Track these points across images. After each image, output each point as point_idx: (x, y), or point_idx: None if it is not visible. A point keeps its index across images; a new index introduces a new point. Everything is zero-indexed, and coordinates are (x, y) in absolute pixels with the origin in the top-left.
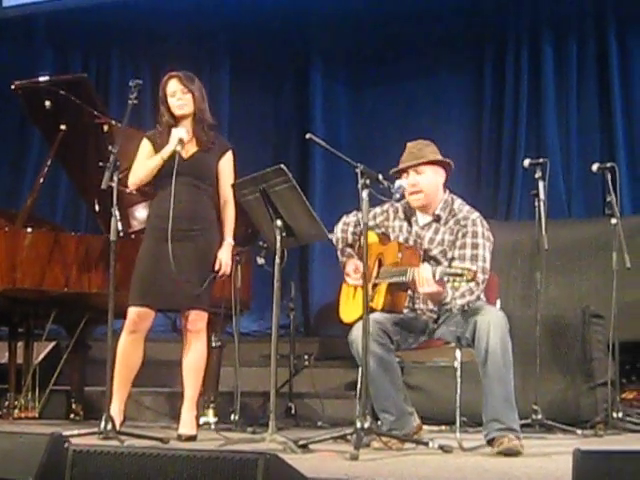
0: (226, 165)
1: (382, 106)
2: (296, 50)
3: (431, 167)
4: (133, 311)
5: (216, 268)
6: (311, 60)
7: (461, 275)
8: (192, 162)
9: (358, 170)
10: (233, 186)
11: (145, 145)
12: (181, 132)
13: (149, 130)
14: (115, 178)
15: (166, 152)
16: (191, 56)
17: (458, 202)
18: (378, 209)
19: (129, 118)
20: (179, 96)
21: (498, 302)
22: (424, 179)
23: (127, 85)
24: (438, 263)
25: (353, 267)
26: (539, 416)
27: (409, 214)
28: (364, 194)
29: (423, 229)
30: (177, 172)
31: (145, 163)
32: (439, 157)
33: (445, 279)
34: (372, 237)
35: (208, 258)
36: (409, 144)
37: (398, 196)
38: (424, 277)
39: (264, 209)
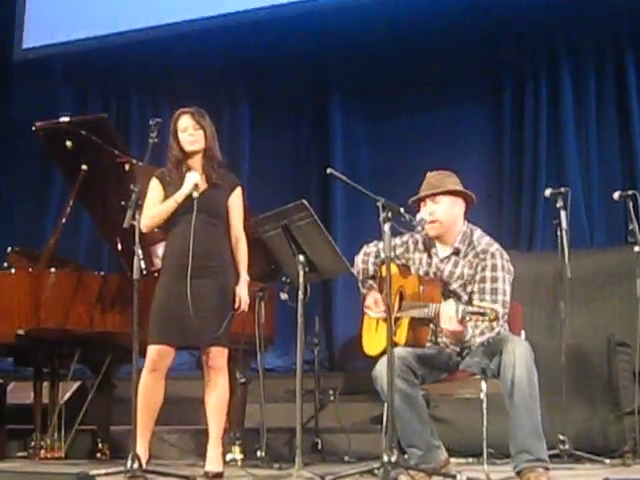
0: (236, 201)
1: (401, 138)
2: (315, 85)
3: (449, 197)
4: (152, 349)
5: (235, 305)
6: (329, 95)
7: (484, 314)
8: (203, 199)
9: (379, 204)
10: (255, 222)
11: (154, 186)
12: (196, 177)
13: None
14: (137, 217)
15: (180, 196)
16: (210, 94)
17: (477, 233)
18: (398, 240)
19: (150, 156)
20: (191, 132)
21: (523, 332)
22: (440, 209)
23: (147, 124)
24: (458, 297)
25: (373, 300)
26: (566, 446)
27: (429, 246)
28: (386, 227)
29: (443, 262)
30: (189, 209)
31: (158, 208)
32: (458, 187)
33: (467, 318)
34: (392, 269)
35: (227, 295)
36: (429, 174)
37: (420, 229)
38: (447, 315)
39: (286, 245)
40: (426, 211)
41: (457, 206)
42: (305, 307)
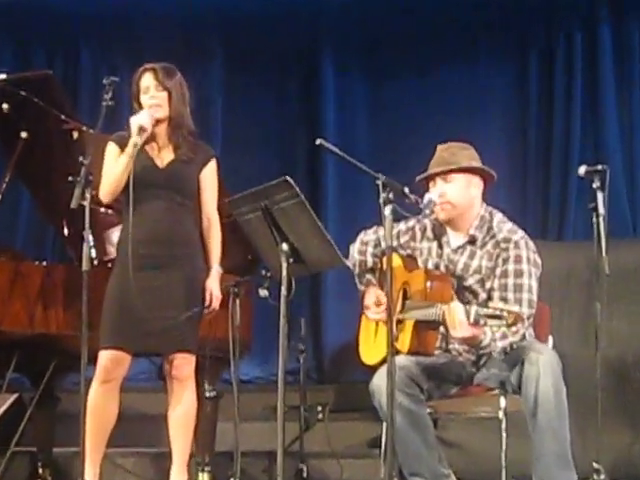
0: (209, 176)
1: (407, 103)
2: (303, 38)
3: (464, 175)
4: (105, 355)
5: (205, 302)
6: (321, 49)
7: (500, 318)
8: (169, 172)
9: (379, 182)
10: (229, 203)
11: (112, 150)
12: (142, 118)
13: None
14: (87, 195)
15: (130, 147)
16: (176, 49)
17: (498, 218)
18: (402, 226)
19: (103, 123)
20: (152, 93)
21: (550, 339)
22: (453, 189)
23: (100, 84)
24: (474, 295)
25: (374, 298)
26: (602, 476)
27: (439, 233)
28: (387, 211)
29: (456, 252)
30: (151, 184)
31: (113, 170)
32: (474, 163)
33: (482, 322)
34: (396, 260)
35: (195, 290)
36: (440, 147)
37: (428, 212)
38: (456, 319)
39: (267, 230)
40: (436, 191)
41: (473, 185)
42: (289, 306)
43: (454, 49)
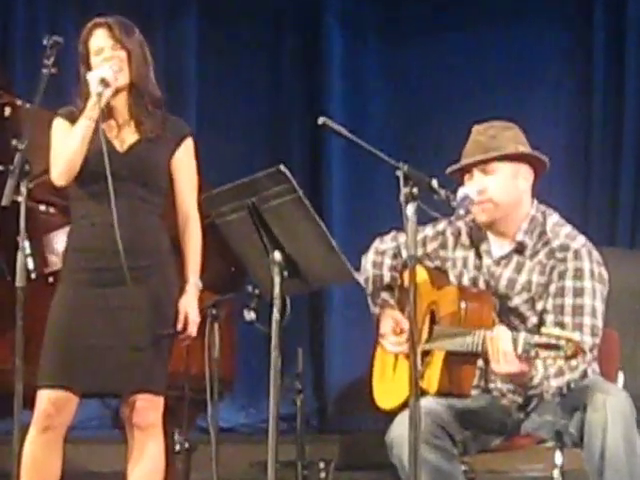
0: (185, 160)
1: (433, 72)
2: None
3: (510, 164)
4: (45, 396)
5: (178, 326)
6: (324, 3)
7: (556, 348)
8: (132, 158)
9: (400, 172)
10: (205, 200)
11: (61, 125)
12: (102, 70)
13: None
14: (23, 189)
15: (90, 106)
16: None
17: (553, 220)
18: (429, 230)
19: (44, 96)
20: (107, 55)
21: (620, 376)
22: (495, 182)
23: (40, 45)
24: (522, 319)
25: (392, 324)
26: None
27: (477, 239)
28: (410, 210)
29: (499, 264)
30: (110, 174)
31: (67, 143)
32: (522, 148)
33: (532, 353)
34: (421, 275)
35: (165, 311)
36: (477, 128)
37: (463, 212)
38: (501, 349)
39: (254, 235)
40: (473, 186)
41: (521, 176)
42: (284, 333)
43: (495, 3)
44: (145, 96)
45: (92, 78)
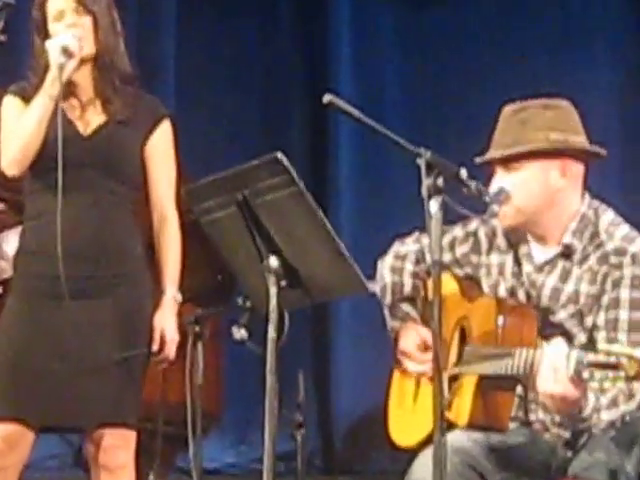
0: (161, 146)
1: (461, 37)
2: None
3: (536, 160)
4: None
5: (153, 347)
6: None
7: (617, 367)
8: (96, 143)
9: (422, 160)
10: (187, 193)
11: (12, 103)
12: (64, 37)
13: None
14: None
15: (51, 81)
16: None
17: (607, 219)
18: (459, 230)
19: None
20: (71, 20)
21: None
22: (517, 182)
23: None
24: (568, 337)
25: (416, 340)
26: None
27: (516, 241)
28: (434, 206)
29: (541, 271)
30: (69, 163)
31: (20, 123)
32: (555, 136)
33: (586, 374)
34: (449, 284)
35: (135, 328)
36: (507, 109)
37: (497, 209)
38: (551, 365)
39: (246, 237)
40: (494, 180)
41: (555, 173)
42: (281, 354)
43: None
44: (113, 70)
45: (52, 47)
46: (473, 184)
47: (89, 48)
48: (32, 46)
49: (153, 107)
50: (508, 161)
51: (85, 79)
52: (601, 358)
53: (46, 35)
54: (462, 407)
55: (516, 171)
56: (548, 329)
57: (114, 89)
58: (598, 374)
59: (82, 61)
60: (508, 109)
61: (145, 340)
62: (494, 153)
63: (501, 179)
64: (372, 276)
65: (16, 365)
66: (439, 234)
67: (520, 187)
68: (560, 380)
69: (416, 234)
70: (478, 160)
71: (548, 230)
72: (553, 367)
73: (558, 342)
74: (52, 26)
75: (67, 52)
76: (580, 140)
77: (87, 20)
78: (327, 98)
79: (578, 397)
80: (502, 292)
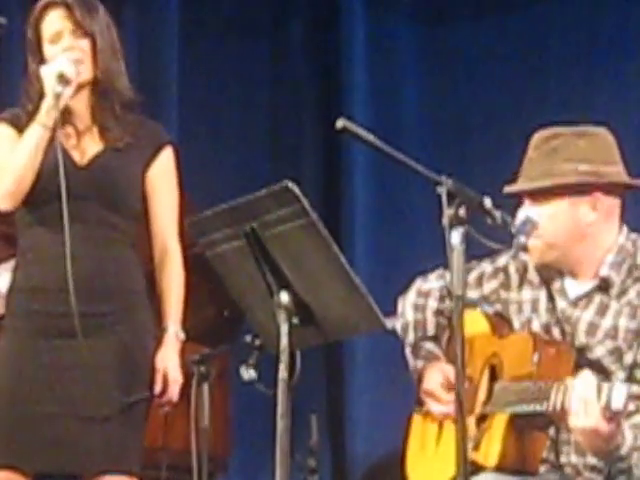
0: (163, 176)
1: (486, 60)
2: None
3: (565, 194)
4: None
5: (155, 389)
6: None
7: None
8: (93, 173)
9: (443, 189)
10: (191, 225)
11: (4, 134)
12: (59, 62)
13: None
14: None
15: (46, 111)
16: None
17: None
18: (487, 265)
19: None
20: (67, 42)
21: None
22: (546, 216)
23: None
24: (606, 374)
25: (440, 380)
26: None
27: (549, 275)
28: (455, 237)
29: (576, 306)
30: (67, 192)
31: (15, 153)
32: (585, 168)
33: (622, 407)
34: (477, 321)
35: (136, 368)
36: (538, 135)
37: (524, 240)
38: (581, 398)
39: (254, 271)
40: (520, 212)
41: (585, 207)
42: (293, 396)
43: None
44: (114, 95)
45: (48, 73)
46: (498, 214)
47: (87, 73)
48: (25, 70)
49: (154, 134)
50: (536, 193)
51: (82, 105)
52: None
53: (41, 59)
54: (491, 448)
55: (544, 204)
56: (585, 366)
57: (114, 115)
58: (631, 405)
59: (79, 86)
60: (539, 136)
61: (147, 382)
62: (522, 185)
63: (529, 211)
64: (390, 312)
65: (9, 409)
66: (461, 267)
67: (549, 221)
68: (591, 413)
69: (440, 270)
70: (507, 190)
71: (581, 264)
72: (583, 400)
73: (586, 375)
74: (47, 48)
75: (64, 79)
76: (613, 171)
77: (85, 43)
78: (341, 123)
79: (612, 432)
80: (536, 329)
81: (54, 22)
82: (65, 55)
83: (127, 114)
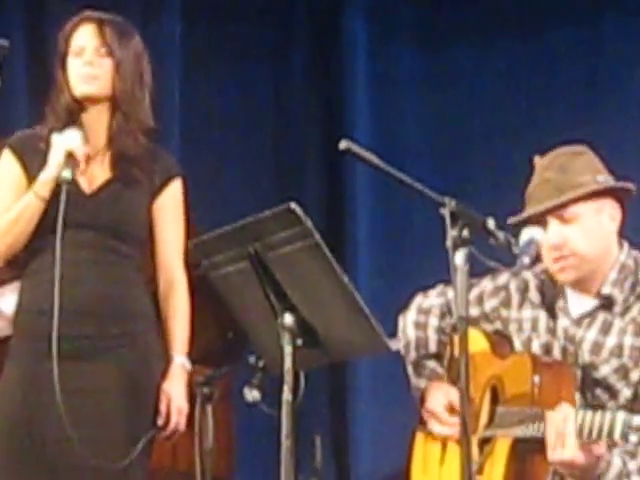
0: (169, 208)
1: (487, 82)
2: None
3: (591, 203)
4: None
5: (159, 421)
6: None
7: None
8: (100, 202)
9: (446, 210)
10: (195, 247)
11: (8, 164)
12: (72, 138)
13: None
14: None
15: (44, 184)
16: None
17: None
18: (488, 283)
19: None
20: (89, 58)
21: None
22: (577, 231)
23: None
24: (612, 394)
25: (443, 401)
26: None
27: (551, 294)
28: (459, 258)
29: (580, 324)
30: (71, 222)
31: (9, 215)
32: (602, 178)
33: (635, 438)
34: (479, 341)
35: (143, 394)
36: (540, 162)
37: (528, 261)
38: (557, 430)
39: (258, 293)
40: (547, 233)
41: (606, 214)
42: (297, 417)
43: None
44: (132, 119)
45: (57, 145)
46: (501, 235)
47: (103, 88)
48: (28, 89)
49: (166, 166)
50: (562, 210)
51: (100, 126)
52: (636, 422)
53: (64, 69)
54: (495, 472)
55: (575, 220)
56: (590, 385)
57: (135, 142)
58: (635, 437)
59: (95, 100)
60: (541, 161)
61: (151, 406)
62: (541, 207)
63: (558, 231)
64: (394, 334)
65: (15, 431)
66: (465, 288)
67: (584, 234)
68: (568, 445)
69: (440, 287)
70: (514, 219)
71: (593, 281)
72: (559, 433)
73: (563, 407)
74: (70, 60)
75: (71, 158)
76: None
77: (107, 62)
78: (344, 144)
79: (590, 462)
80: (536, 348)
81: (83, 36)
82: (77, 132)
83: (144, 142)
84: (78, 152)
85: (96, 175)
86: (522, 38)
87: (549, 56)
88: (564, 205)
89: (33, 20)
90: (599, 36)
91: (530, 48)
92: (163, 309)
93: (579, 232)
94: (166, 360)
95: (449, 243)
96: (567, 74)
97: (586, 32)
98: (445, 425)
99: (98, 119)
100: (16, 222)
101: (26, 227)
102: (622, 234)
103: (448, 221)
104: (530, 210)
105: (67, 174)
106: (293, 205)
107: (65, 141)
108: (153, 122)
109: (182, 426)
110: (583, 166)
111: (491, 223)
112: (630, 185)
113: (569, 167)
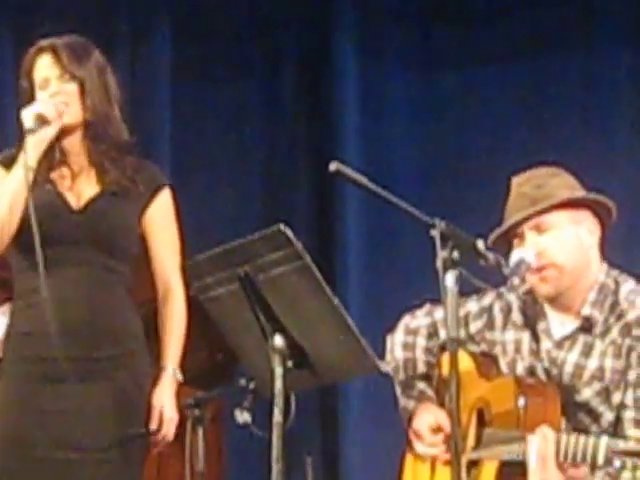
0: (159, 219)
1: (476, 107)
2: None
3: (568, 214)
4: None
5: (151, 425)
6: (334, 17)
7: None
8: (89, 217)
9: (436, 232)
10: (186, 269)
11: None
12: (41, 104)
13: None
14: None
15: (27, 150)
16: (97, 18)
17: (628, 287)
18: (473, 305)
19: None
20: (54, 88)
21: None
22: (554, 240)
23: None
24: (594, 417)
25: (430, 421)
26: None
27: (533, 315)
28: (449, 279)
29: (561, 347)
30: (60, 238)
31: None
32: (579, 193)
33: (617, 463)
34: (464, 361)
35: (133, 409)
36: (516, 180)
37: (518, 281)
38: (538, 453)
39: (248, 314)
40: (529, 249)
41: (585, 227)
42: (287, 439)
43: (553, 24)
44: (106, 139)
45: (26, 115)
46: (491, 256)
47: (75, 115)
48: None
49: (151, 177)
50: (538, 219)
51: (75, 147)
52: (632, 446)
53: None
54: None
55: (550, 228)
56: (572, 408)
57: (110, 158)
58: (618, 462)
59: (70, 129)
60: (517, 179)
61: (142, 420)
62: (517, 216)
63: (535, 241)
64: (383, 355)
65: (8, 450)
66: (456, 309)
67: (558, 246)
68: (549, 468)
69: (427, 306)
70: (492, 237)
71: (573, 299)
72: (540, 456)
73: (545, 429)
74: (38, 95)
75: (41, 119)
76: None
77: (72, 87)
78: (334, 166)
79: None
80: (520, 370)
81: (43, 68)
82: (45, 97)
83: (124, 157)
84: (46, 111)
85: (83, 191)
86: (512, 64)
87: (539, 82)
88: (540, 213)
89: (22, 39)
90: (590, 63)
91: (520, 74)
92: (159, 316)
93: (555, 241)
94: (158, 368)
95: (439, 264)
96: (558, 99)
97: (577, 58)
98: (426, 444)
99: (75, 144)
100: (3, 195)
101: (13, 203)
102: (603, 255)
103: (438, 242)
104: (507, 222)
105: (31, 124)
106: (283, 227)
107: (32, 108)
108: (127, 135)
109: (171, 434)
110: (560, 183)
111: (481, 244)
112: (604, 199)
113: (545, 184)
